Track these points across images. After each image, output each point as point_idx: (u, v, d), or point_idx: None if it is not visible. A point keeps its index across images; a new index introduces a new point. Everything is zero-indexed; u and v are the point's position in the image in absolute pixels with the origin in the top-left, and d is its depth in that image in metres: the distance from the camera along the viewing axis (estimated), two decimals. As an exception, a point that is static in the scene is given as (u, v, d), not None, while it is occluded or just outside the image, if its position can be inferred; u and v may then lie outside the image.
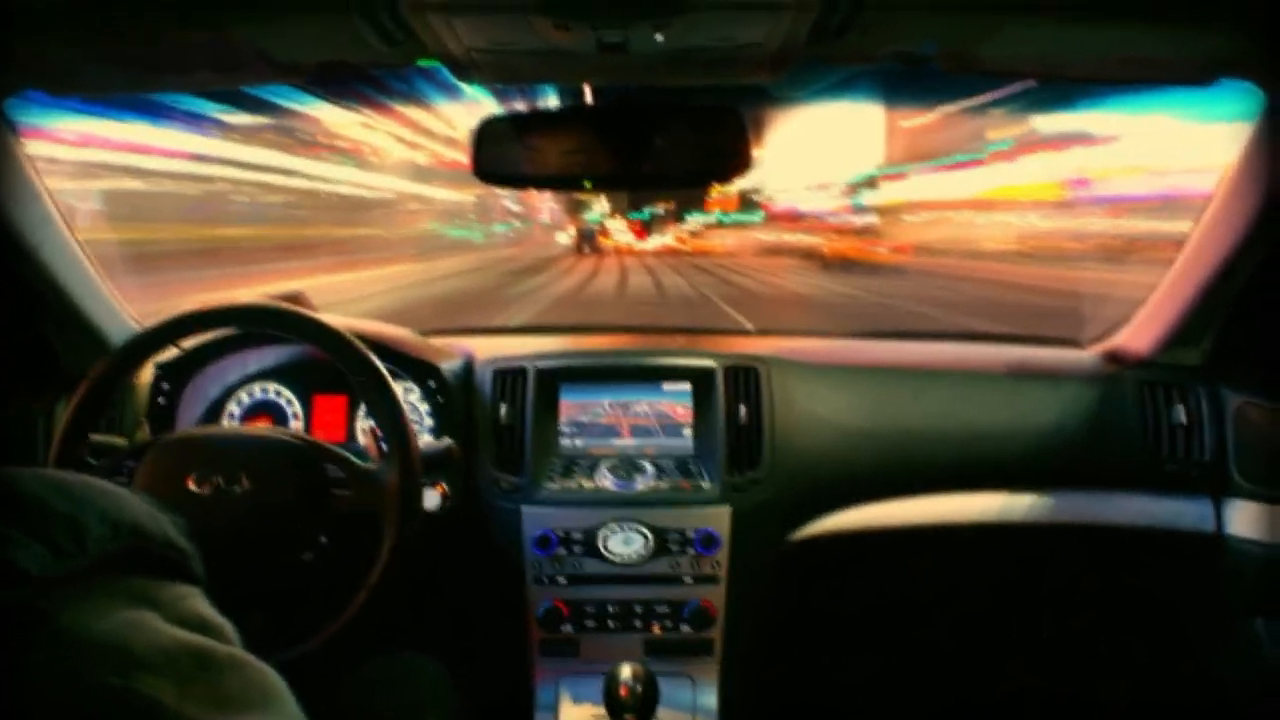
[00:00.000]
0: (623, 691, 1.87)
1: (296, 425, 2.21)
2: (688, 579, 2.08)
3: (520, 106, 1.89)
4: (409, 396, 2.16)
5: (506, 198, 52.24)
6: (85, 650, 0.59)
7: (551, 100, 2.11)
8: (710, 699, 2.10)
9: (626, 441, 2.24)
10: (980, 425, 2.24)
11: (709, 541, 2.07)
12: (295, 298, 1.90)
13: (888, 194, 44.97)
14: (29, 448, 2.03)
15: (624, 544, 2.07)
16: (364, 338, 1.78)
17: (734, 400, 2.18)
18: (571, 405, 2.25)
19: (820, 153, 52.39)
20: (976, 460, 2.22)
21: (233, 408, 2.22)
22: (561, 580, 2.09)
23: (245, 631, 0.71)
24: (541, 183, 1.90)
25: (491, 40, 1.51)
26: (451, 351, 2.27)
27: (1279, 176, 1.81)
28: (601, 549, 2.07)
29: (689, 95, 2.00)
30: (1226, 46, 1.53)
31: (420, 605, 2.28)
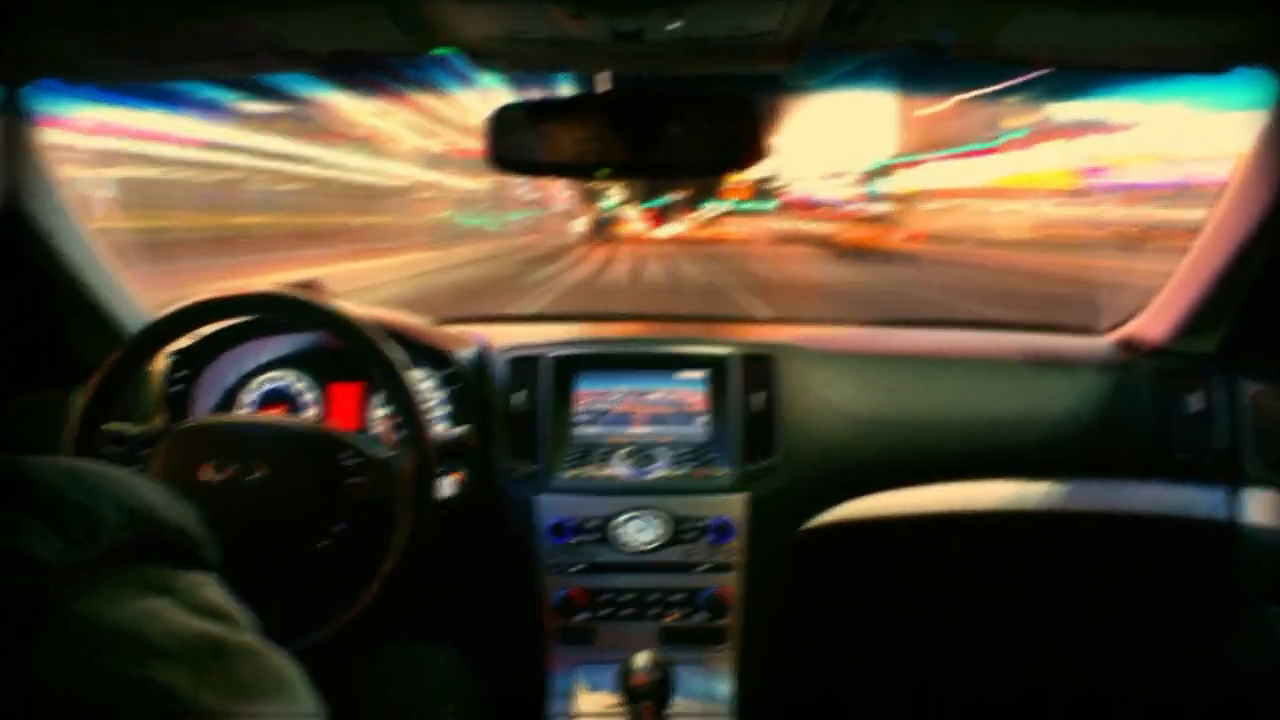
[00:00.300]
0: (638, 679, 1.86)
1: (311, 413, 2.21)
2: (703, 567, 2.08)
3: (535, 94, 1.89)
4: (424, 384, 2.15)
5: (521, 186, 52.09)
6: (100, 639, 0.59)
7: (566, 89, 2.11)
8: (726, 687, 2.09)
9: (641, 429, 2.23)
10: (994, 413, 2.23)
11: (724, 529, 2.07)
12: (311, 285, 1.90)
13: (902, 182, 44.76)
14: (43, 436, 2.04)
15: (639, 532, 2.07)
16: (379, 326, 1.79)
17: (749, 388, 2.17)
18: (586, 393, 2.25)
19: (835, 141, 52.21)
20: (990, 448, 2.21)
21: (247, 396, 2.22)
22: (576, 568, 2.09)
23: (260, 620, 0.72)
24: (556, 171, 1.90)
25: (506, 28, 1.50)
26: (466, 339, 2.27)
27: None
28: (617, 537, 2.07)
29: (704, 84, 2.00)
30: (1241, 34, 1.52)
31: (435, 593, 2.28)
